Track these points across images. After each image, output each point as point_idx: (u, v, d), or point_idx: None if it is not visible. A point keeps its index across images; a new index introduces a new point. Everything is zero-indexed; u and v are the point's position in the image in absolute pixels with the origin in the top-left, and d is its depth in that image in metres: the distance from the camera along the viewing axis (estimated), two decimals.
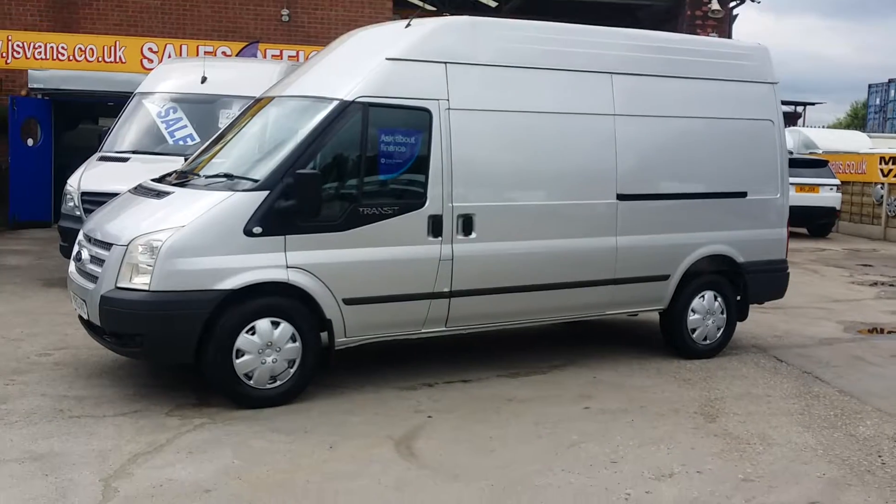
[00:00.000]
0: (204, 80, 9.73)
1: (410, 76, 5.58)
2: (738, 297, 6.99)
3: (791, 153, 17.69)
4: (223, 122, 8.82)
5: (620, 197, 6.30)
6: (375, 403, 5.35)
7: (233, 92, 9.49)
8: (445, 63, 5.67)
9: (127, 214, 5.47)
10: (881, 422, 5.36)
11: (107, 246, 5.20)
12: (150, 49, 14.60)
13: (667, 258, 6.54)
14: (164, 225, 5.04)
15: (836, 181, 17.44)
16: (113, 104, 13.07)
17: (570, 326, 7.47)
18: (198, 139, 9.06)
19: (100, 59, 14.46)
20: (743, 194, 6.91)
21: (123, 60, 14.50)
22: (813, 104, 39.80)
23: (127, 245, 5.03)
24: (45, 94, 14.59)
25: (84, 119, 15.97)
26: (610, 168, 6.27)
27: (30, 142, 14.39)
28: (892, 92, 46.80)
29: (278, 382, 5.21)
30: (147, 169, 7.20)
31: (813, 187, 16.82)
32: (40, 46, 14.32)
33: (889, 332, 8.41)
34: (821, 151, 20.74)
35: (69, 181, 9.09)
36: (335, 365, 5.62)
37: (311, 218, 5.17)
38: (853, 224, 18.77)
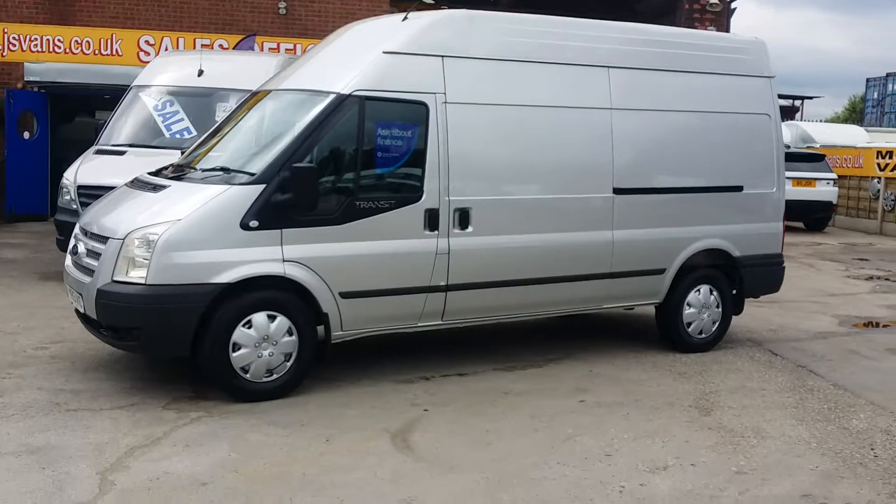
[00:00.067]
0: (201, 73, 9.71)
1: (407, 70, 5.58)
2: (734, 291, 7.02)
3: (788, 147, 17.75)
4: (220, 116, 8.82)
5: (617, 191, 6.31)
6: (372, 397, 5.37)
7: (230, 85, 9.47)
8: (442, 56, 5.67)
9: (123, 208, 5.47)
10: (874, 415, 5.39)
11: (103, 239, 5.20)
12: (147, 42, 14.57)
13: (663, 252, 6.56)
14: (160, 218, 5.05)
15: (833, 175, 17.46)
16: (109, 97, 13.04)
17: (567, 320, 7.48)
18: (194, 132, 9.05)
19: (96, 51, 14.43)
20: (739, 188, 6.93)
21: (120, 53, 14.48)
22: (811, 98, 39.95)
23: (123, 238, 5.03)
24: (42, 86, 14.55)
25: (80, 112, 15.93)
26: (606, 162, 6.28)
27: (26, 135, 14.35)
28: (890, 86, 46.88)
29: (275, 376, 5.23)
30: (143, 162, 7.17)
31: (810, 181, 16.84)
32: (36, 39, 14.29)
33: (884, 326, 8.44)
34: (818, 145, 20.78)
35: (65, 174, 9.09)
36: (332, 358, 5.63)
37: (308, 211, 5.17)
38: (850, 218, 18.81)
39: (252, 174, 5.21)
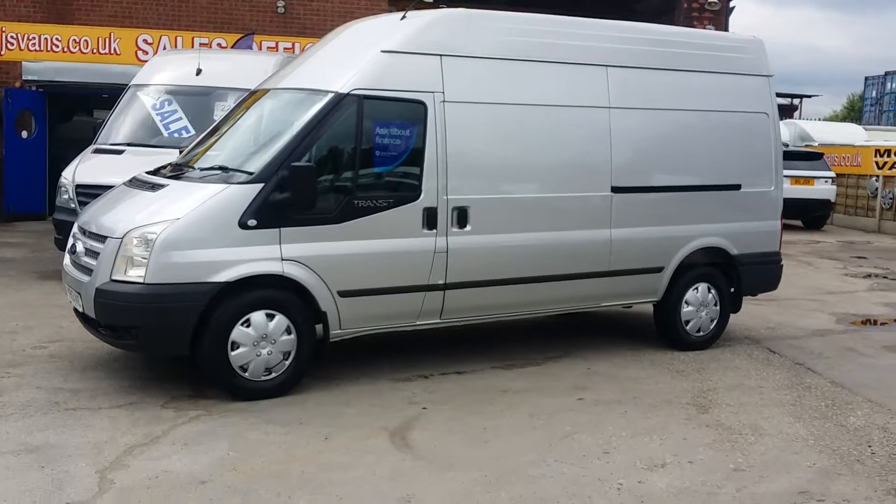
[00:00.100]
0: (199, 72, 9.71)
1: (406, 69, 5.58)
2: (732, 289, 7.03)
3: (787, 145, 17.77)
4: (218, 115, 8.82)
5: (615, 189, 6.32)
6: (370, 395, 5.38)
7: (228, 84, 9.48)
8: (441, 55, 5.67)
9: (122, 207, 5.48)
10: (872, 412, 5.40)
11: (101, 238, 5.21)
12: (145, 41, 14.55)
13: (661, 250, 6.57)
14: (158, 217, 5.05)
15: (832, 174, 17.49)
16: (107, 96, 13.04)
17: (566, 318, 7.49)
18: (193, 131, 9.05)
19: (94, 50, 14.41)
20: (737, 187, 6.94)
21: (118, 52, 14.46)
22: (809, 97, 39.96)
23: (122, 238, 5.04)
24: (40, 86, 14.55)
25: (78, 111, 15.92)
26: (604, 160, 6.29)
27: (24, 134, 14.35)
28: (889, 84, 46.93)
29: (273, 374, 5.23)
30: (142, 161, 7.18)
31: (808, 180, 16.86)
32: (34, 38, 14.27)
33: (881, 324, 8.46)
34: (816, 144, 20.80)
35: (64, 173, 9.09)
36: (330, 357, 5.64)
37: (306, 210, 5.18)
38: (848, 216, 18.84)
39: (250, 173, 5.22)
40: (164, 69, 10.30)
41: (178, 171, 5.77)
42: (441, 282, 5.66)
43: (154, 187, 5.51)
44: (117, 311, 5.05)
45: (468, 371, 5.99)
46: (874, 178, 18.08)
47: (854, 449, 4.74)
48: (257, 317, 5.12)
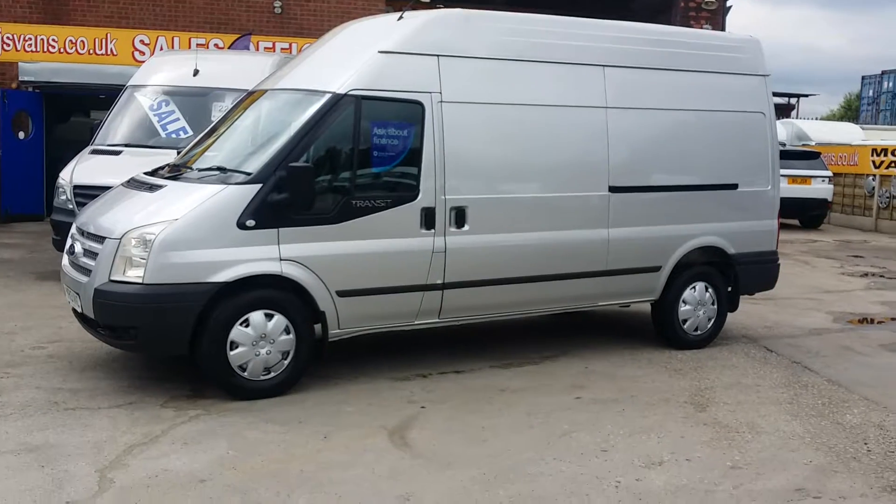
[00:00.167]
0: (196, 72, 9.73)
1: (403, 69, 5.60)
2: (729, 288, 7.06)
3: (784, 145, 17.80)
4: (216, 115, 8.83)
5: (612, 189, 6.34)
6: (369, 394, 5.39)
7: (225, 85, 9.49)
8: (438, 56, 5.69)
9: (120, 208, 5.49)
10: (868, 410, 5.43)
11: (100, 239, 5.22)
12: (142, 41, 14.56)
13: (658, 250, 6.59)
14: (157, 218, 5.06)
15: (829, 173, 17.53)
16: (104, 97, 13.07)
17: (563, 318, 7.51)
18: (190, 132, 9.07)
19: (91, 51, 14.42)
20: (734, 186, 6.96)
21: (115, 53, 14.46)
22: (806, 96, 39.95)
23: (120, 238, 5.05)
24: (36, 86, 14.54)
25: (75, 112, 15.92)
26: (602, 160, 6.31)
27: (21, 135, 14.34)
28: (886, 84, 46.97)
29: (272, 374, 5.25)
30: (139, 162, 7.19)
31: (805, 179, 16.90)
32: (30, 39, 14.27)
33: (878, 323, 8.49)
34: (813, 143, 20.84)
35: (61, 174, 9.09)
36: (329, 356, 5.66)
37: (304, 211, 5.19)
38: (845, 215, 18.88)
39: (248, 174, 5.23)
40: (161, 70, 10.31)
41: (176, 172, 5.79)
42: (439, 281, 5.67)
43: (152, 188, 5.52)
44: (116, 312, 5.06)
45: (466, 370, 6.01)
46: (871, 178, 18.13)
47: (850, 446, 4.77)
48: (256, 317, 5.13)
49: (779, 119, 17.14)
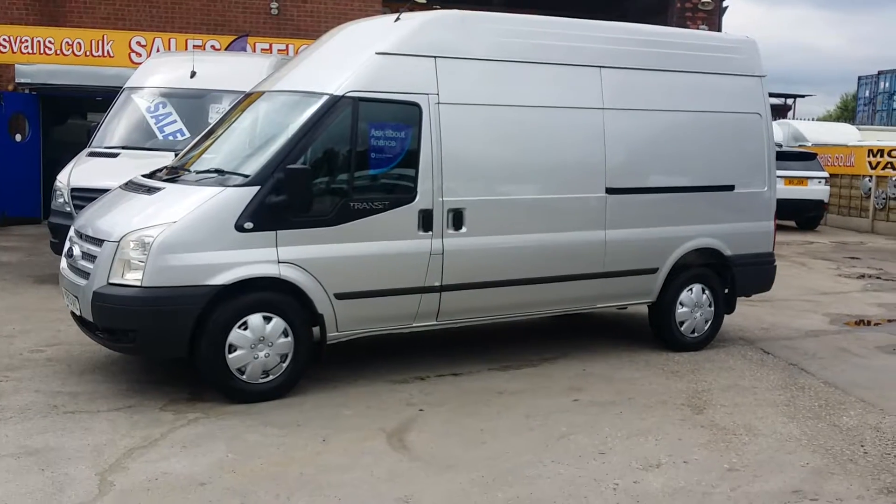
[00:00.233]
0: (193, 74, 9.72)
1: (400, 70, 5.61)
2: (726, 290, 7.07)
3: (780, 146, 17.85)
4: (213, 117, 8.83)
5: (609, 191, 6.35)
6: (368, 397, 5.40)
7: (222, 86, 9.49)
8: (435, 57, 5.70)
9: (118, 210, 5.49)
10: (864, 412, 5.45)
11: (98, 242, 5.22)
12: (139, 43, 14.54)
13: (655, 251, 6.61)
14: (155, 221, 5.07)
15: (825, 174, 17.56)
16: (101, 99, 13.03)
17: (561, 320, 7.53)
18: (188, 134, 9.06)
19: (87, 53, 14.39)
20: (730, 187, 6.98)
21: (111, 54, 14.44)
22: (803, 96, 40.02)
23: (118, 241, 5.05)
24: (33, 88, 14.51)
25: (72, 114, 15.90)
26: (599, 162, 6.32)
27: (17, 137, 14.31)
28: (882, 84, 47.05)
29: (271, 377, 5.25)
30: (137, 164, 7.20)
31: (801, 180, 16.93)
32: (27, 41, 14.24)
33: (875, 324, 8.51)
34: (810, 144, 20.88)
35: (59, 177, 9.08)
36: (327, 359, 5.66)
37: (302, 213, 5.20)
38: (841, 217, 18.92)
39: (246, 176, 5.23)
40: (158, 72, 10.30)
41: (174, 175, 5.79)
42: (437, 284, 5.68)
43: (150, 190, 5.52)
44: (115, 315, 5.06)
45: (464, 373, 6.02)
46: (867, 179, 18.17)
47: (847, 448, 4.78)
48: (254, 319, 5.13)
49: (775, 120, 17.21)
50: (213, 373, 5.12)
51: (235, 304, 5.09)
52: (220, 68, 10.24)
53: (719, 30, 18.02)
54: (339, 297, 5.36)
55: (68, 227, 5.97)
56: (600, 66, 6.37)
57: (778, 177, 7.53)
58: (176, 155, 6.65)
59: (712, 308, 6.97)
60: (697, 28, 17.42)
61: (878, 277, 11.44)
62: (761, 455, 4.65)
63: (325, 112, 5.37)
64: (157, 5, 15.54)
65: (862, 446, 4.83)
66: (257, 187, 5.13)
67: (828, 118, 54.13)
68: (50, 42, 14.33)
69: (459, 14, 5.94)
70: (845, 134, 22.91)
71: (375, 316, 5.61)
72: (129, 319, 5.03)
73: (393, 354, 6.33)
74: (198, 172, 5.67)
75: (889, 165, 17.68)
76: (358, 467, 4.29)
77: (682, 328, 6.84)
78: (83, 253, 5.40)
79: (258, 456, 4.39)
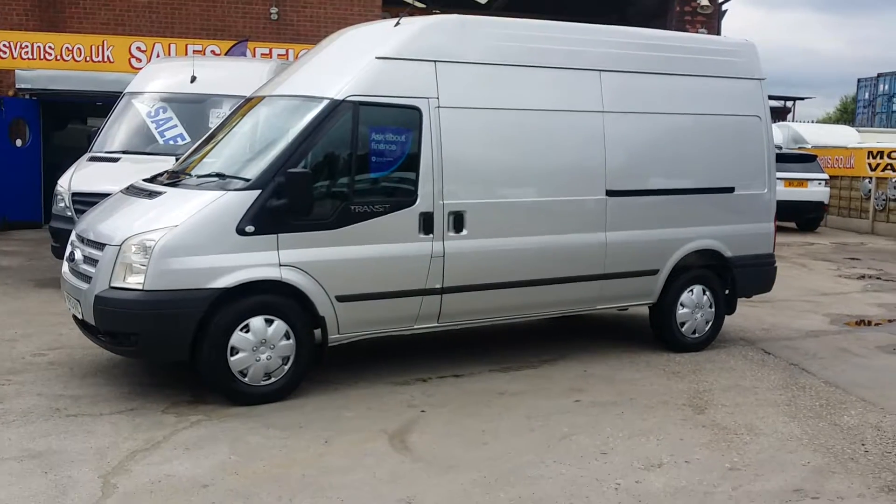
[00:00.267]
0: (193, 79, 9.75)
1: (400, 75, 5.63)
2: (727, 291, 7.09)
3: (780, 148, 17.87)
4: (213, 122, 8.85)
5: (609, 193, 6.37)
6: (369, 398, 5.41)
7: (223, 91, 9.51)
8: (435, 61, 5.72)
9: (119, 214, 5.51)
10: (865, 411, 5.46)
11: (100, 246, 5.24)
12: (139, 48, 14.56)
13: (656, 253, 6.63)
14: (156, 225, 5.08)
15: (825, 176, 17.59)
16: (102, 104, 13.06)
17: (562, 321, 7.54)
18: (188, 139, 9.09)
19: (87, 58, 14.41)
20: (730, 189, 7.00)
21: (111, 60, 14.46)
22: (802, 99, 40.01)
23: (120, 245, 5.07)
24: (33, 94, 14.55)
25: (73, 119, 15.93)
26: (599, 164, 6.34)
27: (18, 142, 14.35)
28: (881, 86, 47.08)
29: (273, 379, 5.27)
30: (138, 169, 7.23)
31: (801, 182, 16.96)
32: (27, 46, 14.27)
33: (875, 325, 8.52)
34: (810, 146, 20.91)
35: (60, 182, 9.11)
36: (328, 361, 5.68)
37: (303, 216, 5.22)
38: (841, 218, 18.94)
39: (247, 180, 5.25)
40: (158, 77, 10.33)
41: (175, 179, 5.81)
42: (438, 286, 5.70)
43: (151, 195, 5.54)
44: (117, 318, 5.08)
45: (465, 374, 6.03)
46: (867, 180, 18.19)
47: (848, 447, 4.80)
48: (256, 322, 5.15)
49: (775, 122, 17.24)
50: (215, 375, 5.13)
51: (237, 307, 5.10)
52: (220, 73, 10.27)
53: (719, 33, 18.06)
54: (341, 299, 5.38)
55: (69, 232, 5.99)
56: (600, 70, 6.39)
57: (778, 179, 7.55)
58: (177, 159, 6.68)
59: (713, 309, 6.98)
60: (697, 31, 17.46)
61: (878, 278, 11.46)
62: (762, 454, 4.66)
63: (326, 116, 5.39)
64: (157, 11, 15.58)
65: (863, 445, 4.84)
66: (258, 191, 5.15)
67: (827, 120, 54.16)
68: (50, 47, 14.35)
69: (459, 19, 5.97)
70: (845, 136, 22.94)
71: (377, 318, 5.63)
72: (130, 323, 5.04)
73: (394, 356, 6.34)
74: (199, 177, 5.69)
75: (889, 167, 17.71)
76: (360, 468, 4.31)
77: (683, 329, 6.86)
78: (85, 257, 5.42)
79: (260, 458, 4.40)
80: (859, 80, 50.16)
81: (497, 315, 6.22)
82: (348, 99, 5.42)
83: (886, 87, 46.38)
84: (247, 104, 6.35)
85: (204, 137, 6.56)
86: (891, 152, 17.80)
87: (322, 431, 4.80)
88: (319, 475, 4.21)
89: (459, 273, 5.76)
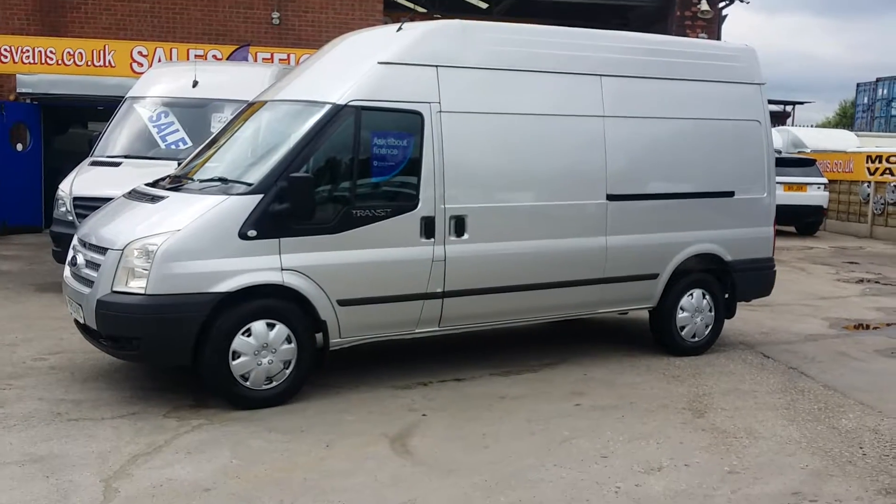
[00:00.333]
0: (195, 83, 9.78)
1: (402, 80, 5.66)
2: (726, 295, 7.11)
3: (779, 152, 17.90)
4: (215, 127, 8.88)
5: (610, 197, 6.40)
6: (370, 402, 5.43)
7: (224, 96, 9.54)
8: (436, 66, 5.75)
9: (122, 219, 5.53)
10: (863, 415, 5.48)
11: (102, 250, 5.25)
12: (140, 53, 14.60)
13: (656, 257, 6.65)
14: (159, 229, 5.11)
15: (824, 180, 17.62)
16: (103, 108, 13.09)
17: (562, 325, 7.56)
18: (190, 143, 9.11)
19: (89, 63, 14.44)
20: (730, 194, 7.02)
21: (113, 64, 14.49)
22: (802, 103, 40.01)
23: (123, 249, 5.09)
24: (34, 98, 14.57)
25: (74, 123, 15.96)
26: (599, 169, 6.37)
27: (19, 147, 14.38)
28: (880, 91, 47.12)
29: (274, 383, 5.28)
30: (139, 173, 7.24)
31: (801, 186, 17.00)
32: (28, 51, 14.30)
33: (873, 328, 8.54)
34: (809, 150, 20.95)
35: (61, 186, 9.13)
36: (330, 365, 5.69)
37: (305, 221, 5.24)
38: (840, 222, 18.97)
39: (249, 184, 5.28)
40: (160, 81, 10.36)
41: (177, 183, 5.83)
42: (439, 290, 5.72)
43: (154, 199, 5.57)
44: (119, 322, 5.09)
45: (466, 378, 6.05)
46: (866, 184, 18.22)
47: (846, 451, 4.81)
48: (258, 326, 5.17)
49: (774, 127, 17.26)
50: (217, 379, 5.15)
51: (239, 312, 5.12)
52: (221, 78, 10.29)
53: (719, 38, 18.10)
54: (342, 303, 5.40)
55: (70, 236, 6.01)
56: (601, 75, 6.41)
57: (777, 183, 7.58)
58: (178, 164, 6.70)
59: (713, 313, 7.00)
60: (697, 36, 17.49)
61: (876, 282, 11.48)
62: (761, 458, 4.68)
63: (328, 121, 5.42)
64: (159, 15, 15.62)
65: (861, 448, 4.86)
66: (260, 195, 5.17)
67: (826, 125, 54.18)
68: (51, 52, 14.39)
69: (461, 24, 5.99)
70: (844, 140, 22.97)
71: (378, 322, 5.65)
72: (132, 327, 5.06)
73: (395, 360, 6.36)
74: (201, 181, 5.72)
75: (887, 171, 17.74)
76: (361, 472, 4.32)
77: (683, 333, 6.88)
78: (87, 261, 5.44)
79: (262, 461, 4.42)
80: (858, 85, 50.20)
81: (498, 319, 6.24)
82: (350, 104, 5.45)
83: (885, 91, 46.41)
84: (249, 109, 6.37)
85: (206, 142, 6.58)
86: (889, 156, 17.84)
87: (323, 435, 4.82)
88: (321, 479, 4.23)
89: (461, 277, 5.78)
